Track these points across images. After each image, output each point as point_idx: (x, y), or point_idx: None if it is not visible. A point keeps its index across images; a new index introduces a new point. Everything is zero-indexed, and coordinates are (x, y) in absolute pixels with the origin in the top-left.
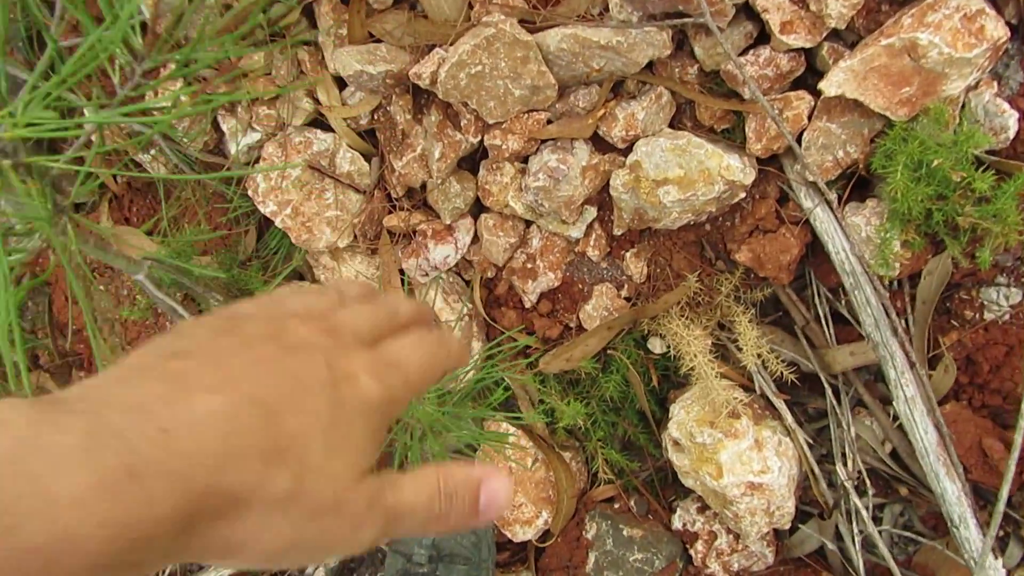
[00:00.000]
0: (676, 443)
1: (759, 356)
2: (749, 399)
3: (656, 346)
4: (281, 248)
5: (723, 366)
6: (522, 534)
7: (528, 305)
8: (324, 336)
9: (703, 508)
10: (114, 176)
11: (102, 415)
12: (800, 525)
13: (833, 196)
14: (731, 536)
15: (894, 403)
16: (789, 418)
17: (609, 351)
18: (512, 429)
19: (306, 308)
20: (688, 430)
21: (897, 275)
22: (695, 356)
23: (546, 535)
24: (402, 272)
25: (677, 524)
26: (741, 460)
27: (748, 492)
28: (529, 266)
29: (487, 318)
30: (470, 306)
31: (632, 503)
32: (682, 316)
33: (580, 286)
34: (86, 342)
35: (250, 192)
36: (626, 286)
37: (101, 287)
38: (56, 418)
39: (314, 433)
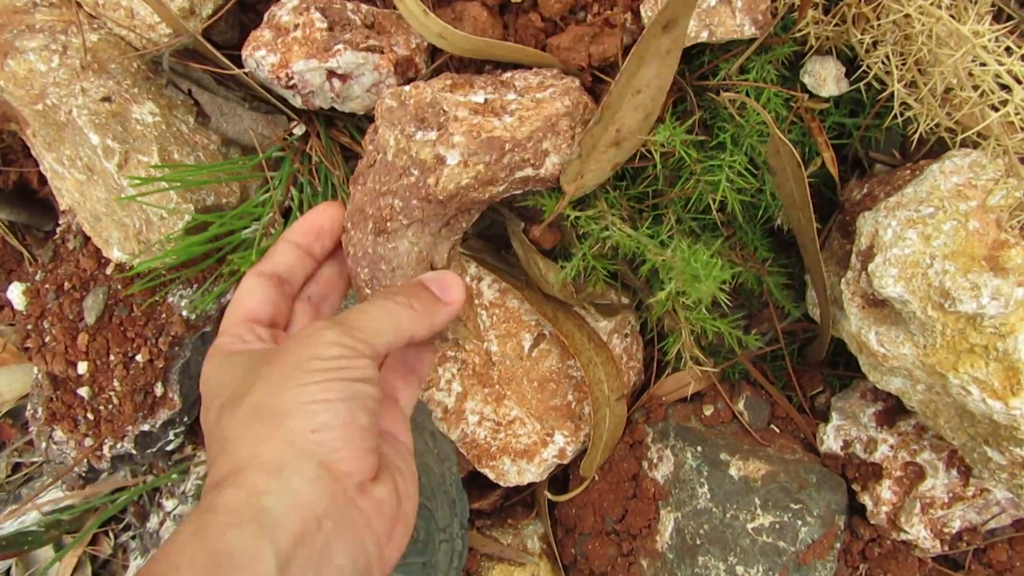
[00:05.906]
0: (878, 304)
1: None
2: None
3: (828, 78)
4: None
5: None
6: (516, 474)
7: None
8: None
9: (890, 412)
10: None
11: None
12: None
13: None
14: (956, 473)
15: None
16: None
17: (720, 92)
18: (488, 282)
19: None
20: (930, 277)
21: None
22: (966, 89)
23: (565, 475)
24: None
25: (830, 443)
26: None
27: None
28: None
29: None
30: None
31: (741, 404)
32: None
33: None
34: None
35: None
36: None
37: None
38: None
39: None
